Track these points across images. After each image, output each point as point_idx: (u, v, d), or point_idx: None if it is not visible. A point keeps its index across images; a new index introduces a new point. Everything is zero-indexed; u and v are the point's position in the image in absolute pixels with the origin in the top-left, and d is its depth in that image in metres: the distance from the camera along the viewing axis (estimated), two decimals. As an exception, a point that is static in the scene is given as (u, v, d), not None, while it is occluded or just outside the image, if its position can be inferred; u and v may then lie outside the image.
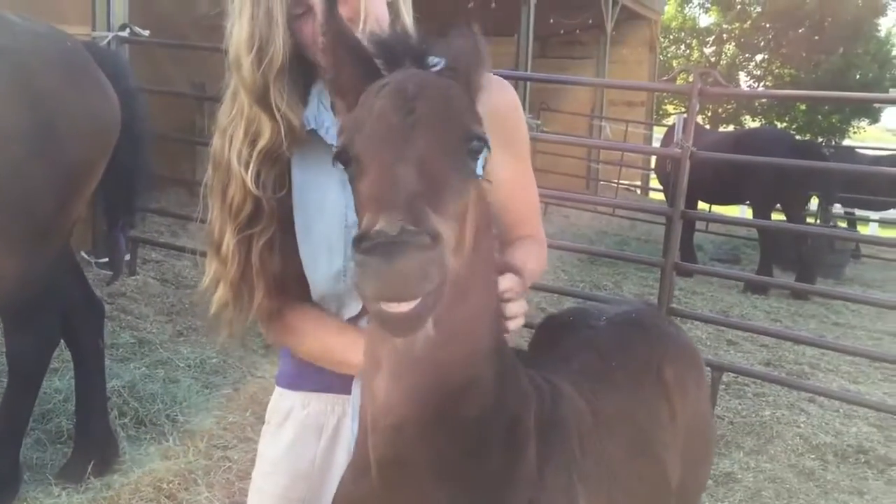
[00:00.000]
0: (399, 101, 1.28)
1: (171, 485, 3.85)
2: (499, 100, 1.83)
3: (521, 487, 1.49)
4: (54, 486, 3.73)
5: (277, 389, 2.00)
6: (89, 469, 3.78)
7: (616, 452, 1.81)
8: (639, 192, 18.56)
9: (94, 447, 3.84)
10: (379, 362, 1.42)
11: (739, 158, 8.81)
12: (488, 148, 1.35)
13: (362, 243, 1.09)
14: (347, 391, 1.79)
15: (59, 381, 4.58)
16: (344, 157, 1.32)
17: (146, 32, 7.10)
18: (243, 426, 4.59)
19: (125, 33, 6.93)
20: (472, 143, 1.31)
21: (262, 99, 1.66)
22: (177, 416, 4.49)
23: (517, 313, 1.61)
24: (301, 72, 1.73)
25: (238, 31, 1.65)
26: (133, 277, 6.83)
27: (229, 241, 1.72)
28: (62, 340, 3.77)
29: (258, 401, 4.96)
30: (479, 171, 1.42)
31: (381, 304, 1.13)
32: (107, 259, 6.76)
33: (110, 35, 6.82)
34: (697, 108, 5.53)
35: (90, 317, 3.80)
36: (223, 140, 1.73)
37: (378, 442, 1.45)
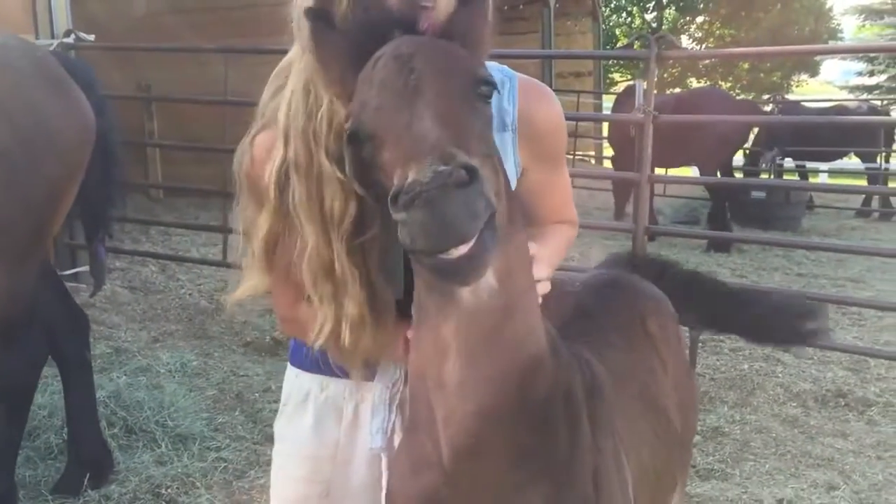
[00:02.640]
0: (397, 66, 1.23)
1: (169, 490, 3.83)
2: (543, 119, 1.81)
3: (585, 457, 1.49)
4: (51, 502, 3.68)
5: (292, 369, 1.97)
6: (85, 482, 3.74)
7: (633, 409, 1.86)
8: (593, 161, 18.68)
9: (89, 459, 3.79)
10: (444, 348, 1.34)
11: (693, 119, 8.94)
12: (498, 91, 1.29)
13: (399, 199, 1.04)
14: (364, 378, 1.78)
15: (42, 396, 4.48)
16: (357, 140, 1.27)
17: (91, 37, 6.92)
18: (234, 426, 4.55)
19: (70, 39, 6.74)
20: (480, 87, 1.26)
21: None
22: (166, 421, 4.43)
23: (541, 293, 1.62)
24: None
25: None
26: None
27: (342, 257, 1.53)
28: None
29: (245, 399, 4.93)
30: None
31: (437, 256, 1.08)
32: (72, 271, 6.67)
33: (55, 42, 6.63)
34: (656, 73, 5.58)
35: (75, 330, 3.74)
36: (306, 142, 1.54)
37: (454, 432, 1.37)
